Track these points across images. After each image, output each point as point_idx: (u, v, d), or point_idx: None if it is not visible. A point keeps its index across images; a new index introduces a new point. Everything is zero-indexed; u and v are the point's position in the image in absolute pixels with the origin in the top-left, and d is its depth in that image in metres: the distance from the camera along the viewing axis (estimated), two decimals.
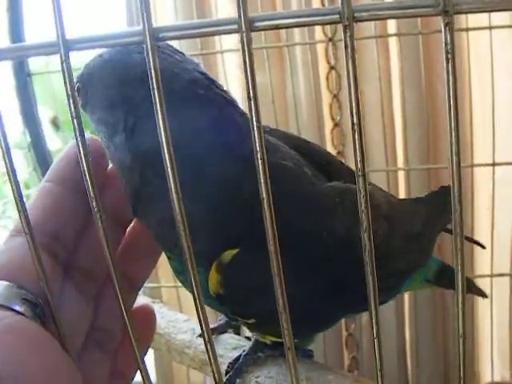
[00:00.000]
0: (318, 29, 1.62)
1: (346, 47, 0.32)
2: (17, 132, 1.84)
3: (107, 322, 0.57)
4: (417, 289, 0.93)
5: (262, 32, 1.55)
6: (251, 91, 0.33)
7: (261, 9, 1.56)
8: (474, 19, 1.50)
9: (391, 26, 1.66)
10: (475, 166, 1.63)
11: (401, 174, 1.77)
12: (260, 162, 0.34)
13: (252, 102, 0.33)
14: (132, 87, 0.63)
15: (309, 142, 0.81)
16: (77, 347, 0.53)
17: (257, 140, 0.34)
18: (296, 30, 1.72)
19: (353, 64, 0.32)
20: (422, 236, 0.80)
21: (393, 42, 1.70)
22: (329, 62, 1.67)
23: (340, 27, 0.32)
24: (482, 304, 1.75)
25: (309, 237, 0.66)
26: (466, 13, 0.32)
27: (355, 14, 0.32)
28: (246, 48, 0.33)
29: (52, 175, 0.54)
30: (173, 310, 1.00)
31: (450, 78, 0.32)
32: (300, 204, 0.67)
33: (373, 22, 1.56)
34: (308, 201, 0.69)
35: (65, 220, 0.53)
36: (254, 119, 0.33)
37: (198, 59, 1.62)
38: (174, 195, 0.36)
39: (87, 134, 0.46)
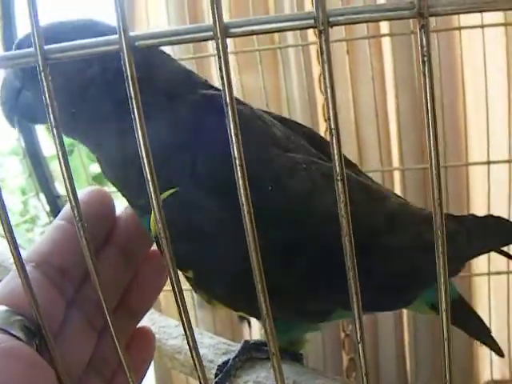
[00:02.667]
0: (310, 30, 1.63)
1: (321, 52, 0.32)
2: (13, 139, 1.84)
3: (108, 350, 0.58)
4: (422, 311, 0.89)
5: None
6: (228, 97, 0.33)
7: (252, 13, 1.57)
8: (465, 18, 1.50)
9: (384, 26, 1.66)
10: (470, 165, 1.64)
11: (396, 174, 1.77)
12: (239, 168, 0.34)
13: (229, 108, 0.33)
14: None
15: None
16: (77, 374, 0.54)
17: (235, 147, 0.34)
18: (289, 32, 1.72)
19: (329, 69, 0.32)
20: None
21: (386, 42, 1.71)
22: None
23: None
24: (480, 302, 1.75)
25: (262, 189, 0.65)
26: (441, 15, 0.32)
27: (330, 19, 0.32)
28: (221, 54, 0.33)
29: (65, 215, 0.58)
30: (164, 315, 1.00)
31: (427, 80, 0.32)
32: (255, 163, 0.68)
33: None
34: (265, 161, 0.69)
35: (73, 256, 0.55)
36: (232, 126, 0.33)
37: (190, 63, 1.64)
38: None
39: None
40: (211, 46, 1.67)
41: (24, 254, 0.54)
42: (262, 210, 0.63)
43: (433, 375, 1.82)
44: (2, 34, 1.61)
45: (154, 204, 0.36)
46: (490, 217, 0.88)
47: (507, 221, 0.87)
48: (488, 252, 0.92)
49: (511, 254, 0.93)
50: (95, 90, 0.67)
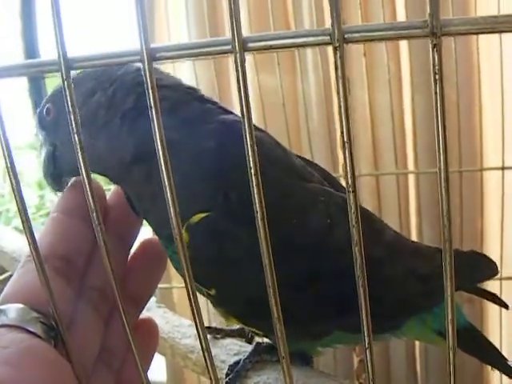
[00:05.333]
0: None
1: (336, 68, 0.33)
2: (30, 133, 1.86)
3: (114, 340, 0.58)
4: (429, 340, 0.90)
5: None
6: (245, 110, 0.34)
7: (273, 27, 1.58)
8: None
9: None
10: (484, 170, 1.64)
11: (411, 178, 1.77)
12: (254, 178, 0.35)
13: (245, 120, 0.34)
14: (119, 90, 0.69)
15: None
16: (89, 366, 0.55)
17: (251, 157, 0.35)
18: None
19: (343, 85, 0.33)
20: (429, 280, 0.79)
21: (403, 45, 1.71)
22: None
23: None
24: (491, 306, 1.75)
25: (282, 223, 0.68)
26: (454, 35, 0.32)
27: (346, 36, 0.33)
28: (239, 68, 0.34)
29: (59, 206, 0.59)
30: (178, 314, 1.02)
31: (438, 98, 0.32)
32: (279, 193, 0.69)
33: None
34: (288, 191, 0.71)
35: (75, 245, 0.56)
36: (248, 137, 0.34)
37: (209, 62, 1.65)
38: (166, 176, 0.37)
39: None
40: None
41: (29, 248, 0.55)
42: (282, 242, 0.65)
43: (443, 379, 1.82)
44: (23, 42, 1.63)
45: (174, 224, 0.37)
46: (472, 252, 0.91)
47: (487, 257, 0.89)
48: (470, 288, 0.95)
49: None
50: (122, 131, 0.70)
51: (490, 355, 0.92)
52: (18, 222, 2.54)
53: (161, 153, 0.36)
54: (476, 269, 0.88)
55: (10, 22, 1.62)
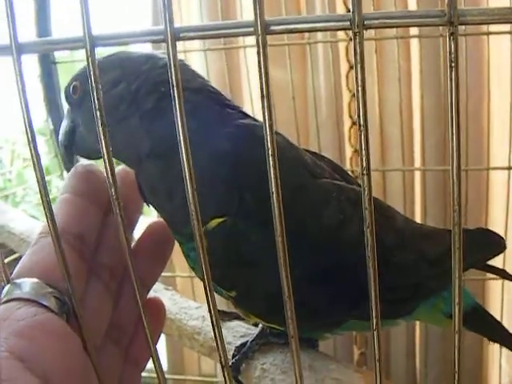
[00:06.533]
0: None
1: (355, 53, 0.34)
2: (40, 119, 1.86)
3: (123, 317, 0.59)
4: (439, 323, 0.91)
5: None
6: (265, 90, 0.35)
7: (285, 12, 1.59)
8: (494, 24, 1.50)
9: (413, 27, 1.67)
10: (491, 169, 1.64)
11: (417, 174, 1.78)
12: (271, 158, 0.36)
13: (265, 100, 0.35)
14: (143, 79, 0.69)
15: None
16: (98, 342, 0.56)
17: (268, 137, 0.35)
18: None
19: (361, 69, 0.34)
20: (440, 263, 0.79)
21: (414, 44, 1.71)
22: (349, 61, 1.69)
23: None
24: (492, 306, 1.75)
25: (297, 221, 0.69)
26: (471, 24, 0.33)
27: (365, 22, 0.34)
28: (261, 50, 0.34)
29: (68, 188, 0.59)
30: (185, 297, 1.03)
31: (453, 85, 0.33)
32: (294, 190, 0.70)
33: None
34: (302, 188, 0.72)
35: (87, 224, 0.57)
36: (267, 117, 0.35)
37: (220, 53, 1.66)
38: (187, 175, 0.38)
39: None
40: (241, 38, 1.69)
41: (43, 226, 0.56)
42: (299, 238, 0.66)
43: (441, 375, 1.83)
44: (36, 20, 1.64)
45: (196, 227, 0.38)
46: (479, 229, 0.91)
47: (495, 233, 0.90)
48: (479, 264, 0.95)
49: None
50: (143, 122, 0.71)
51: (499, 334, 0.93)
52: (24, 206, 2.55)
53: (183, 143, 0.37)
54: (484, 246, 0.89)
55: (24, 5, 1.63)
